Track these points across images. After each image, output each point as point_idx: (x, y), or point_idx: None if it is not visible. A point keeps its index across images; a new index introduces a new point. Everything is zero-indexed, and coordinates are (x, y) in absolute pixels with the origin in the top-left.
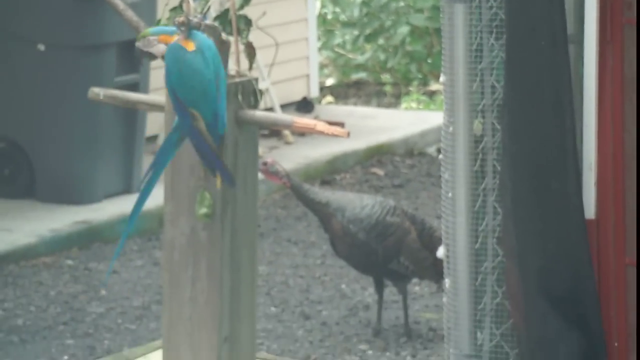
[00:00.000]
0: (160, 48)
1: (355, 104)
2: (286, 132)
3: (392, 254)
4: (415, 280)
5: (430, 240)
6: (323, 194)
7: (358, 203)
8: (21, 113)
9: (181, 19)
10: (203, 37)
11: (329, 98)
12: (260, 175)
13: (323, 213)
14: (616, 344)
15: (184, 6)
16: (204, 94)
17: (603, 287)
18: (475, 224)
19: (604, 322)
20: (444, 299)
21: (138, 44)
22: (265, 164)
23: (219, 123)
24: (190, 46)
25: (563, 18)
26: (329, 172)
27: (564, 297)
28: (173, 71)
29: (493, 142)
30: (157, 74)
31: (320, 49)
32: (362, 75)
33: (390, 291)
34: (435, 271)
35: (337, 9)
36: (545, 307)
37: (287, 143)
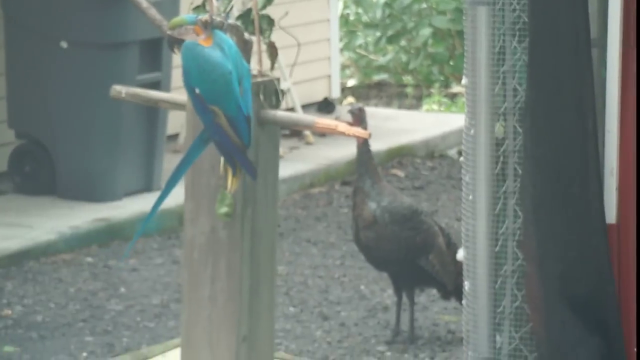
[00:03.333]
0: (194, 37)
1: (376, 105)
2: (307, 133)
3: (422, 250)
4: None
5: (452, 256)
6: (377, 174)
7: (397, 197)
8: (43, 110)
9: (204, 18)
10: (223, 36)
11: (351, 99)
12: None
13: (360, 194)
14: (635, 349)
15: (207, 5)
16: (226, 86)
17: (623, 293)
18: (496, 227)
19: (623, 328)
20: (463, 302)
21: (172, 32)
22: (361, 109)
23: (247, 116)
24: (208, 42)
25: (586, 22)
26: (350, 173)
27: (584, 301)
28: (192, 67)
29: (514, 145)
30: (178, 72)
31: (342, 50)
32: (383, 76)
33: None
34: (455, 279)
35: (360, 10)
36: (565, 312)
37: (308, 143)
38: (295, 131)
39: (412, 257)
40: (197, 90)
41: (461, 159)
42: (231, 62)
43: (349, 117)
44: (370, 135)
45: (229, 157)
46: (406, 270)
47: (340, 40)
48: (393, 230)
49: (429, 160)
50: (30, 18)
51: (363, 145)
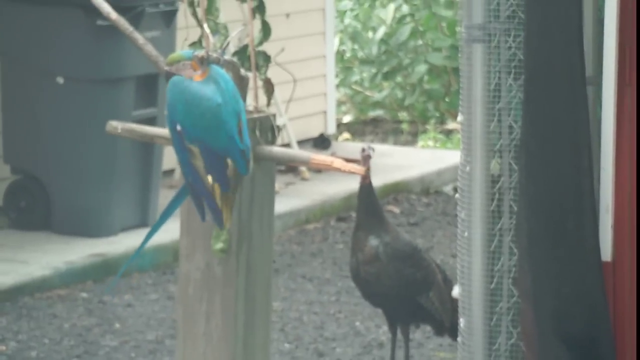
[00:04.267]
0: (191, 73)
1: (372, 141)
2: (303, 168)
3: (422, 287)
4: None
5: (449, 292)
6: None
7: (399, 235)
8: (38, 145)
9: (201, 54)
10: (220, 71)
11: (346, 135)
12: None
13: (363, 230)
14: None
15: (203, 41)
16: (215, 119)
17: (618, 331)
18: (491, 264)
19: None
20: (459, 339)
21: (169, 68)
22: (366, 150)
23: (245, 147)
24: (199, 78)
25: (582, 59)
26: (345, 209)
27: (579, 339)
28: (178, 103)
29: (510, 182)
30: None
31: (338, 86)
32: (379, 112)
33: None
34: (452, 317)
35: (356, 47)
36: (560, 349)
37: (304, 179)
38: (291, 167)
39: (412, 294)
40: (178, 127)
41: (457, 195)
42: (227, 97)
43: (345, 153)
44: (365, 171)
45: (198, 200)
46: (404, 307)
47: (336, 76)
48: (395, 266)
49: (425, 196)
50: (27, 53)
51: (366, 182)
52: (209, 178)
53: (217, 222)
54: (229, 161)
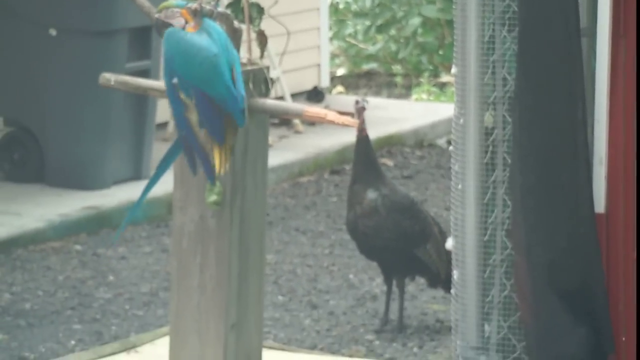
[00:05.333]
0: (181, 21)
1: (365, 94)
2: (296, 121)
3: (420, 239)
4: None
5: (444, 246)
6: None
7: (396, 188)
8: (32, 98)
9: (194, 5)
10: (212, 23)
11: (340, 88)
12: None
13: (361, 183)
14: (624, 339)
15: None
16: (213, 69)
17: (612, 282)
18: (485, 216)
19: (612, 317)
20: (452, 291)
21: (159, 15)
22: (359, 102)
23: (239, 98)
24: (192, 30)
25: (576, 11)
26: (339, 162)
27: (573, 291)
28: (176, 53)
29: (504, 134)
30: None
31: (331, 39)
32: (373, 65)
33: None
34: (447, 269)
35: None
36: (553, 301)
37: (297, 132)
38: (284, 120)
39: (410, 246)
40: (175, 80)
41: (450, 148)
42: (220, 48)
43: (338, 106)
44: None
45: (190, 154)
46: (401, 259)
47: (330, 29)
48: (394, 219)
49: (418, 149)
50: (20, 5)
51: (362, 134)
52: (203, 132)
53: (208, 176)
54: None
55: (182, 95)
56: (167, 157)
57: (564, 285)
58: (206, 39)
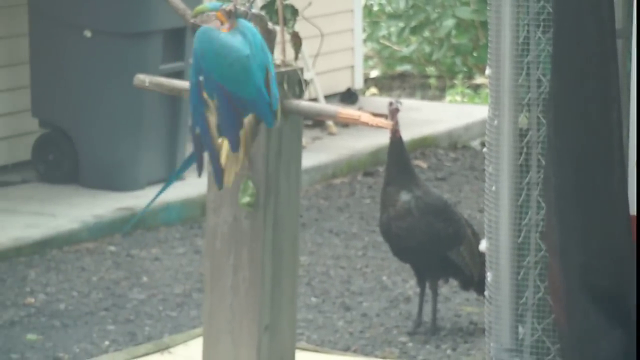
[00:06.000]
0: (217, 24)
1: (399, 96)
2: (330, 123)
3: (454, 241)
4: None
5: (477, 248)
6: (410, 166)
7: (429, 189)
8: (67, 99)
9: (228, 7)
10: (247, 24)
11: (373, 90)
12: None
13: (394, 185)
14: None
15: None
16: (244, 70)
17: None
18: (519, 218)
19: None
20: (486, 293)
21: (194, 20)
22: (393, 103)
23: (273, 100)
24: (226, 31)
25: (611, 12)
26: (372, 164)
27: (607, 293)
28: (207, 51)
29: (538, 136)
30: None
31: (365, 41)
32: (406, 67)
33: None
34: (480, 272)
35: (383, 1)
36: (587, 303)
37: (331, 134)
38: (318, 121)
39: (444, 248)
40: (200, 78)
41: (484, 150)
42: (254, 49)
43: (372, 108)
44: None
45: (200, 154)
46: (435, 261)
47: (364, 30)
48: (427, 221)
49: (452, 151)
50: (55, 7)
51: (396, 136)
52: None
53: (217, 180)
54: (246, 120)
55: (205, 95)
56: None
57: (598, 287)
58: (239, 40)
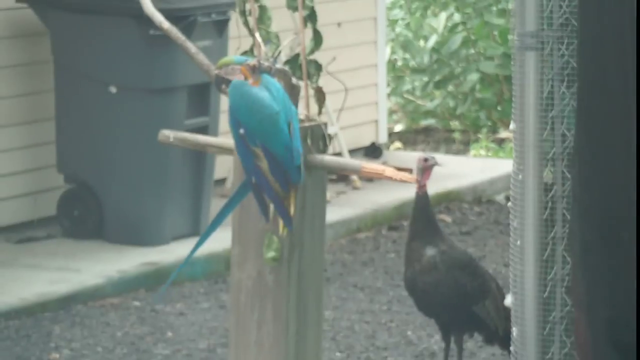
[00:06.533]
0: (241, 78)
1: (423, 150)
2: (354, 177)
3: (479, 296)
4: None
5: (502, 302)
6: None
7: (454, 244)
8: (92, 154)
9: (252, 62)
10: (270, 79)
11: (398, 144)
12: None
13: (419, 240)
14: None
15: (255, 50)
16: (273, 127)
17: None
18: (544, 272)
19: None
20: (512, 348)
21: (219, 72)
22: (429, 159)
23: (295, 155)
24: (256, 85)
25: (635, 67)
26: (397, 218)
27: (633, 348)
28: (240, 106)
29: (563, 190)
30: (226, 117)
31: (389, 95)
32: (431, 121)
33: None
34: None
35: (407, 55)
36: (614, 358)
37: (355, 188)
38: (342, 176)
39: (469, 302)
40: (241, 131)
41: (509, 204)
42: (279, 104)
43: (396, 162)
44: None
45: (262, 201)
46: (460, 316)
47: (388, 85)
48: (453, 275)
49: (477, 205)
50: (80, 63)
51: (422, 191)
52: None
53: (286, 222)
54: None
55: (250, 145)
56: (223, 211)
57: (624, 343)
58: (268, 95)
